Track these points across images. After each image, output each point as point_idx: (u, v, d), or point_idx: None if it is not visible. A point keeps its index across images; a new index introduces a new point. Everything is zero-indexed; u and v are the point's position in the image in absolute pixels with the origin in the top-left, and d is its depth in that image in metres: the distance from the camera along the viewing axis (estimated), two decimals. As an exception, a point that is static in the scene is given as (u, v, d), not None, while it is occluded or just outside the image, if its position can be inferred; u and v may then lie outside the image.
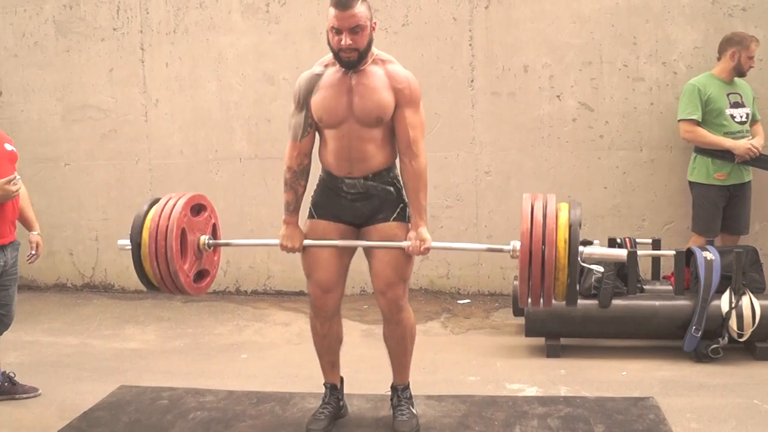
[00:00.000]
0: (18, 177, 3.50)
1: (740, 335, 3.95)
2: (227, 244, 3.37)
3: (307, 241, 3.09)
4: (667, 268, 4.54)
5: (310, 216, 3.15)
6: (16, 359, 4.07)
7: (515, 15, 5.34)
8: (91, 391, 3.76)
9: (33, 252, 3.78)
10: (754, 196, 4.99)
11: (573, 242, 2.68)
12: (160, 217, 3.01)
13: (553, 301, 2.79)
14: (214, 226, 3.30)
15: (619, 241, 4.51)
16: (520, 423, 3.21)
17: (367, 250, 3.12)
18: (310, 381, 3.53)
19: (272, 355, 4.37)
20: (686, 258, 4.23)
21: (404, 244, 2.98)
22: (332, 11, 2.83)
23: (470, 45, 5.41)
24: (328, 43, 2.92)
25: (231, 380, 3.88)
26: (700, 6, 5.10)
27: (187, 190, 5.90)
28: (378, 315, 3.23)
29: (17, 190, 3.50)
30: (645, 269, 4.63)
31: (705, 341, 3.96)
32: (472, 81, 5.43)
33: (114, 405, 3.60)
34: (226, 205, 5.88)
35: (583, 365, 3.99)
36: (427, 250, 2.97)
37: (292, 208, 3.12)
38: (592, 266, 2.91)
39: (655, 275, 4.61)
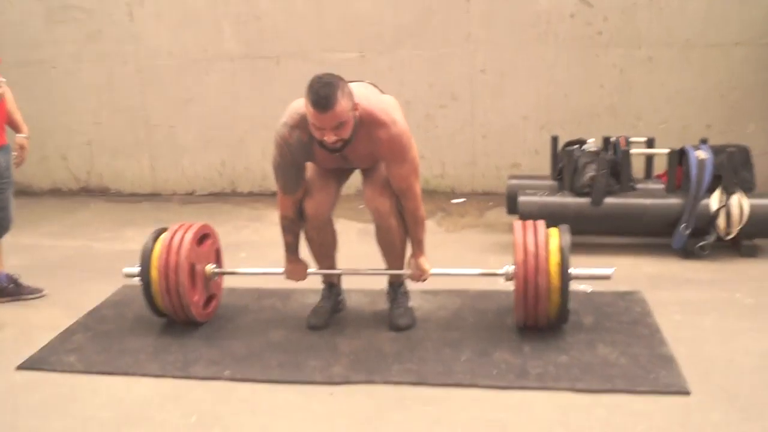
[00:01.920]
0: (3, 80, 3.46)
1: (728, 233, 4.02)
2: (233, 273, 3.50)
3: (311, 271, 3.27)
4: (660, 167, 4.58)
5: None
6: (19, 262, 4.13)
7: None
8: (95, 290, 3.85)
9: (15, 155, 3.77)
10: (751, 96, 4.99)
11: (564, 265, 2.94)
12: (168, 253, 3.13)
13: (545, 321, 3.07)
14: (217, 251, 3.45)
15: (613, 139, 4.52)
16: (511, 314, 3.30)
17: (363, 170, 3.18)
18: (309, 278, 3.61)
19: (270, 254, 4.41)
20: (679, 157, 4.26)
21: (405, 272, 3.17)
22: (310, 108, 2.67)
23: (466, -61, 5.26)
24: (310, 131, 2.80)
25: (231, 278, 3.93)
26: None
27: (178, 93, 5.92)
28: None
29: (3, 94, 3.46)
30: (638, 168, 4.67)
31: (693, 239, 4.04)
32: (467, -23, 5.30)
33: (119, 303, 3.70)
34: (218, 107, 5.86)
35: (574, 261, 4.01)
36: (426, 279, 3.16)
37: (294, 249, 3.22)
38: (580, 286, 3.33)
39: (648, 174, 4.65)
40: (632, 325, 3.17)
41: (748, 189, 4.14)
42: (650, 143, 4.59)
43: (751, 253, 4.07)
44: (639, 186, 4.39)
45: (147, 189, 6.14)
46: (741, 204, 4.02)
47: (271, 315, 3.46)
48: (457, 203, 5.45)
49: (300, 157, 2.95)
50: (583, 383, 2.69)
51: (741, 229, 4.01)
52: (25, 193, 6.17)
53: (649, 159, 4.64)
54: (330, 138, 2.71)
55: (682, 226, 4.03)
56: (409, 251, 3.22)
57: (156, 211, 5.59)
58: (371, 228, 3.24)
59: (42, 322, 3.50)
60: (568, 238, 3.00)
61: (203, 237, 3.32)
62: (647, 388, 2.65)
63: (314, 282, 3.47)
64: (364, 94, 2.87)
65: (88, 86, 6.05)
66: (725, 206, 4.02)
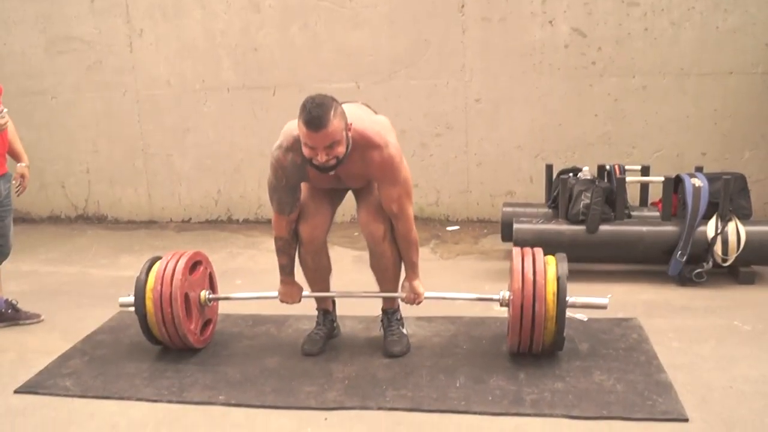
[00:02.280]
0: (5, 110, 3.50)
1: (724, 260, 4.03)
2: (227, 298, 3.52)
3: (305, 294, 3.27)
4: (655, 195, 4.60)
5: None
6: (17, 288, 4.14)
7: (507, -62, 5.25)
8: (91, 316, 3.86)
9: (17, 184, 3.80)
10: (746, 124, 5.03)
11: (561, 294, 2.94)
12: (161, 285, 3.14)
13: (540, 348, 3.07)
14: (211, 275, 3.45)
15: (608, 168, 4.55)
16: (506, 341, 3.30)
17: (356, 192, 3.21)
18: (304, 304, 3.59)
19: (266, 281, 4.40)
20: (674, 185, 4.28)
21: (399, 295, 3.17)
22: (303, 128, 2.69)
23: (461, -30, 5.35)
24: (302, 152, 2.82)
25: (227, 304, 3.92)
26: (695, -73, 5.02)
27: (176, 122, 5.98)
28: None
29: (5, 124, 3.50)
30: (633, 196, 4.69)
31: (689, 266, 4.04)
32: (462, 6, 5.36)
33: (115, 328, 3.70)
34: (216, 136, 5.90)
35: (569, 288, 4.06)
36: (420, 302, 3.17)
37: (288, 270, 3.22)
38: (576, 315, 3.36)
39: (643, 202, 4.67)
40: (629, 352, 3.17)
41: (745, 216, 4.15)
42: (645, 171, 4.61)
43: (749, 279, 4.07)
44: (634, 214, 4.40)
45: (144, 216, 6.16)
46: (738, 231, 4.03)
47: (265, 341, 3.46)
48: (452, 231, 5.46)
49: (294, 178, 2.97)
50: (578, 410, 2.68)
51: (738, 255, 4.01)
52: (24, 220, 6.19)
53: (644, 187, 4.67)
54: (322, 158, 2.72)
55: (678, 253, 4.04)
56: (403, 275, 3.23)
57: (152, 239, 5.60)
58: (366, 256, 3.25)
59: (39, 347, 3.50)
60: (565, 267, 3.01)
61: (195, 264, 3.33)
62: (644, 415, 2.63)
63: (309, 308, 3.47)
64: (357, 115, 2.90)
65: (88, 116, 6.10)
66: (722, 233, 4.03)
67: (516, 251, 3.08)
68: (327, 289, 3.37)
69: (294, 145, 2.87)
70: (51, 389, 3.04)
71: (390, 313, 3.33)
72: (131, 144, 6.06)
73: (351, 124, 2.80)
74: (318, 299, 3.39)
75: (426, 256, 4.83)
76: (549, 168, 4.72)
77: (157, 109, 5.96)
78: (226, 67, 5.78)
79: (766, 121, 5.16)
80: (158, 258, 3.31)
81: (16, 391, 3.03)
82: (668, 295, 3.93)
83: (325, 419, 2.70)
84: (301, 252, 3.23)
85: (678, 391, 2.78)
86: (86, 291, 4.41)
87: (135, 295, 3.19)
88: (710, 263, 4.04)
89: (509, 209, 4.64)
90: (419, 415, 2.70)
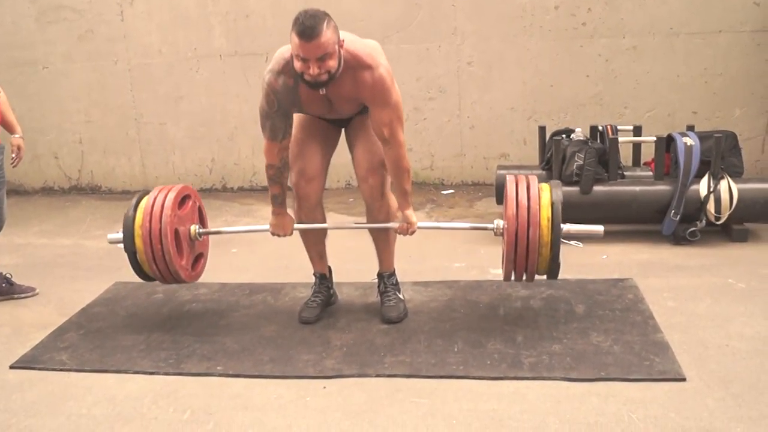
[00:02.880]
0: None
1: (717, 218, 4.05)
2: (217, 232, 3.48)
3: (297, 225, 3.21)
4: (647, 155, 4.61)
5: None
6: (11, 261, 4.13)
7: None
8: (87, 288, 3.86)
9: (13, 155, 3.79)
10: (736, 82, 5.02)
11: (555, 220, 2.88)
12: (150, 221, 3.07)
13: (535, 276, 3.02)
14: (200, 209, 3.39)
15: (600, 128, 4.55)
16: (503, 305, 3.35)
17: (350, 141, 3.19)
18: (300, 272, 3.63)
19: (261, 249, 4.46)
20: (666, 144, 4.28)
21: (392, 225, 3.14)
22: (295, 40, 2.69)
23: (451, -69, 5.28)
24: (294, 68, 2.79)
25: (223, 274, 3.97)
26: None
27: (169, 90, 5.94)
28: (363, 207, 3.30)
29: None
30: (626, 156, 4.70)
31: (683, 225, 4.06)
32: (453, -31, 5.31)
33: (111, 300, 3.71)
34: (209, 103, 5.86)
35: (564, 250, 4.00)
36: (414, 232, 3.14)
37: (280, 201, 3.18)
38: (571, 242, 3.24)
39: (636, 162, 4.68)
40: (625, 313, 3.19)
41: (737, 174, 4.17)
42: (637, 131, 4.61)
43: (742, 237, 4.10)
44: (627, 174, 4.41)
45: (138, 186, 6.13)
46: (730, 189, 4.05)
47: (262, 310, 3.47)
48: (447, 195, 5.47)
49: (286, 102, 2.94)
50: (576, 372, 2.69)
51: (731, 213, 4.04)
52: (17, 192, 6.17)
53: (637, 147, 4.67)
54: (314, 70, 2.71)
55: (672, 212, 4.06)
56: (401, 244, 3.23)
57: (147, 209, 5.58)
58: (361, 221, 3.26)
59: (34, 321, 3.50)
60: (559, 193, 2.93)
61: (184, 199, 3.26)
62: (642, 375, 2.65)
63: (305, 276, 3.48)
64: (349, 38, 2.89)
65: (80, 86, 6.04)
66: (714, 192, 4.05)
67: (510, 178, 3.02)
68: (323, 253, 3.38)
69: (285, 68, 2.86)
70: (47, 364, 3.03)
71: (386, 276, 3.34)
72: (124, 113, 6.01)
73: (343, 41, 2.79)
74: (313, 261, 3.39)
75: (421, 221, 4.83)
76: (542, 130, 4.71)
77: (149, 78, 5.90)
78: (218, 35, 5.72)
79: (755, 78, 5.15)
80: (146, 193, 3.24)
81: (11, 366, 3.03)
82: (663, 255, 3.96)
83: (324, 388, 2.72)
84: (295, 209, 3.25)
85: (675, 351, 2.81)
86: (81, 263, 4.41)
87: (124, 233, 3.14)
88: (703, 222, 4.06)
89: (503, 172, 4.63)
90: (418, 381, 2.72)
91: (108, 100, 6.01)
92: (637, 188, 4.20)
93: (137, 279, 3.90)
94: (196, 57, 5.79)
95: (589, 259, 3.93)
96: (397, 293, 3.34)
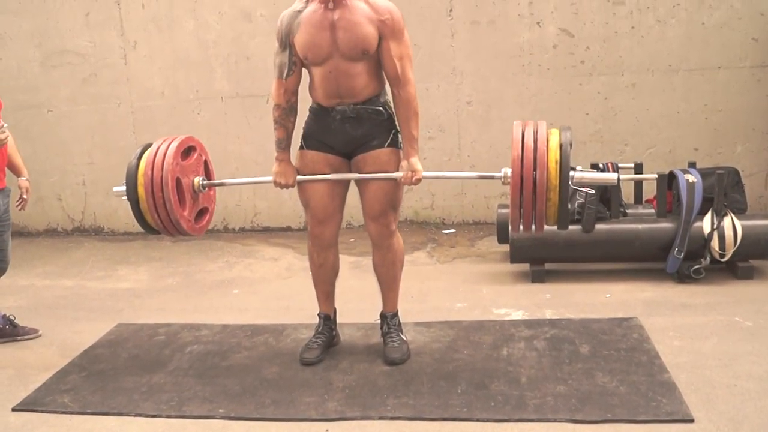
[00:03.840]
0: (5, 125, 3.49)
1: (722, 255, 4.03)
2: (221, 184, 3.41)
3: (300, 177, 3.12)
4: (649, 192, 4.61)
5: (300, 147, 3.18)
6: (14, 303, 4.13)
7: (493, -60, 5.27)
8: (89, 330, 3.84)
9: (24, 197, 3.81)
10: (736, 118, 5.04)
11: (564, 162, 2.71)
12: (152, 170, 3.02)
13: (544, 226, 2.83)
14: (206, 162, 3.32)
15: (601, 166, 4.56)
16: (507, 345, 3.32)
17: (358, 182, 3.16)
18: (302, 313, 3.62)
19: (263, 290, 4.46)
20: (668, 181, 4.29)
21: (396, 174, 3.03)
22: None
23: (449, -27, 5.36)
24: None
25: (224, 315, 3.96)
26: (680, -75, 5.05)
27: (171, 132, 5.93)
28: (365, 247, 3.31)
29: (5, 139, 3.49)
30: (628, 194, 4.70)
31: (687, 262, 4.04)
32: (450, 10, 5.38)
33: (113, 342, 3.69)
34: (210, 145, 5.76)
35: (567, 289, 4.09)
36: (419, 180, 3.03)
37: (284, 145, 3.14)
38: (582, 189, 2.97)
39: (638, 199, 4.69)
40: (630, 353, 3.15)
41: (740, 210, 4.16)
42: (638, 168, 4.63)
43: (747, 274, 4.07)
44: (629, 211, 4.42)
45: (139, 228, 6.11)
46: (734, 225, 4.04)
47: (264, 351, 3.44)
48: (448, 234, 5.47)
49: (287, 26, 2.98)
50: (582, 414, 2.65)
51: (735, 250, 4.02)
52: (21, 234, 6.17)
53: (638, 184, 4.68)
54: None
55: (675, 250, 4.04)
56: (403, 284, 3.22)
57: (149, 250, 5.59)
58: (363, 262, 3.26)
59: (37, 363, 3.48)
60: (569, 135, 2.76)
61: (189, 150, 3.21)
62: (649, 416, 2.61)
63: (307, 317, 3.47)
64: None
65: (83, 128, 6.09)
66: (718, 229, 4.03)
67: (516, 123, 2.85)
68: (331, 293, 3.35)
69: (298, 3, 2.99)
70: (49, 406, 3.01)
71: (390, 317, 3.32)
72: (126, 155, 5.90)
73: None
74: (319, 300, 3.36)
75: (423, 261, 4.85)
76: (543, 168, 4.72)
77: (151, 120, 5.95)
78: (219, 77, 5.78)
79: (756, 114, 5.18)
80: (150, 144, 3.19)
81: (14, 409, 3.01)
82: (667, 293, 3.94)
83: (327, 431, 2.69)
84: (308, 245, 3.26)
85: (682, 391, 2.77)
86: (83, 304, 4.40)
87: (126, 182, 3.09)
88: (708, 259, 4.04)
89: (505, 211, 4.64)
90: (421, 424, 2.68)
91: (111, 142, 6.05)
92: (640, 226, 4.20)
93: (139, 320, 3.93)
94: (198, 99, 5.85)
95: (592, 298, 3.91)
96: (401, 334, 3.31)
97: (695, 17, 5.12)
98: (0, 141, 3.46)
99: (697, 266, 4.02)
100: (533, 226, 2.83)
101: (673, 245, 4.06)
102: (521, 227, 2.83)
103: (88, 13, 5.88)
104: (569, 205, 4.10)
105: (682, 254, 4.04)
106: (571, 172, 2.76)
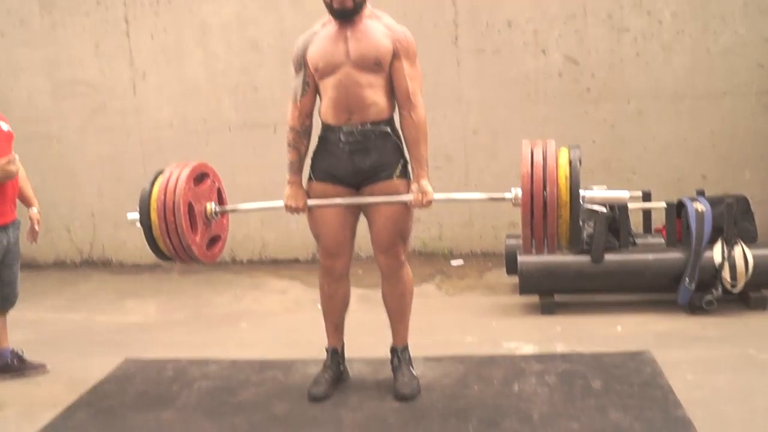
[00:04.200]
0: (16, 156, 3.50)
1: (733, 286, 4.00)
2: (234, 210, 3.40)
3: (311, 201, 3.12)
4: (658, 221, 4.59)
5: (309, 179, 3.18)
6: (22, 337, 4.12)
7: (497, -30, 5.30)
8: (97, 365, 3.82)
9: (36, 228, 3.81)
10: (744, 145, 5.03)
11: (574, 177, 2.70)
12: (165, 194, 3.04)
13: (556, 246, 2.81)
14: (219, 190, 3.33)
15: (609, 195, 4.53)
16: (518, 380, 3.29)
17: (367, 209, 3.14)
18: (311, 347, 3.59)
19: (271, 323, 4.44)
20: (677, 210, 4.26)
21: (406, 197, 3.02)
22: None
23: (453, 2, 5.38)
24: (325, 4, 2.94)
25: (233, 349, 3.94)
26: (683, -47, 5.07)
27: (181, 160, 5.98)
28: (373, 280, 3.29)
29: (17, 170, 3.50)
30: (636, 222, 4.68)
31: (699, 293, 4.00)
32: (456, 39, 5.40)
33: (121, 378, 3.67)
34: (219, 175, 5.90)
35: (578, 321, 4.06)
36: (430, 202, 3.02)
37: (296, 168, 3.15)
38: (594, 206, 2.93)
39: (647, 228, 4.66)
40: (643, 388, 3.12)
41: (751, 239, 4.12)
42: (646, 197, 4.60)
43: (761, 305, 4.02)
44: (639, 241, 4.39)
45: (148, 259, 6.10)
46: (745, 255, 4.00)
47: (272, 387, 3.42)
48: (456, 265, 5.44)
49: (303, 46, 3.05)
50: (595, 452, 2.63)
51: (747, 280, 3.99)
52: (30, 266, 6.16)
53: (647, 213, 4.65)
54: None
55: (686, 280, 4.00)
56: (412, 317, 3.18)
57: (157, 282, 5.59)
58: (371, 294, 3.24)
59: (44, 399, 3.46)
60: (578, 153, 2.76)
61: (202, 176, 3.22)
62: (664, 455, 2.58)
63: (316, 351, 3.44)
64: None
65: (92, 159, 6.12)
66: (729, 258, 4.00)
67: (525, 142, 2.85)
68: (340, 326, 3.33)
69: (315, 27, 3.08)
70: (57, 445, 2.99)
71: (400, 351, 3.29)
72: (136, 186, 5.95)
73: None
74: (328, 333, 3.33)
75: (431, 293, 4.83)
76: (551, 197, 4.70)
77: (160, 151, 5.97)
78: (228, 107, 5.81)
79: (764, 140, 5.16)
80: (163, 170, 3.21)
81: (22, 449, 3.00)
82: (679, 325, 3.90)
83: (337, 470, 2.67)
84: (319, 276, 3.26)
85: (697, 427, 2.72)
86: (92, 338, 4.39)
87: (139, 207, 3.10)
88: (719, 290, 4.00)
89: (513, 241, 4.63)
90: (432, 463, 2.66)
91: (120, 172, 6.07)
92: (650, 256, 4.17)
93: (148, 355, 3.92)
94: (206, 129, 5.87)
95: (603, 331, 3.88)
96: (411, 369, 3.28)
97: (700, 44, 5.12)
98: (11, 172, 3.47)
99: (709, 297, 3.99)
100: (545, 247, 2.81)
101: (684, 276, 4.03)
102: (533, 248, 2.82)
103: (98, 44, 5.94)
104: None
105: (694, 285, 4.00)
106: (582, 192, 2.75)
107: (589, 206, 2.85)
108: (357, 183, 3.12)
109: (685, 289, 4.01)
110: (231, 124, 5.82)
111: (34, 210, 3.83)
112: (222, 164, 5.80)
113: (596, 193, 2.83)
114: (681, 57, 5.16)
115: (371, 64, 2.96)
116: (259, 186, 5.72)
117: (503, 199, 2.93)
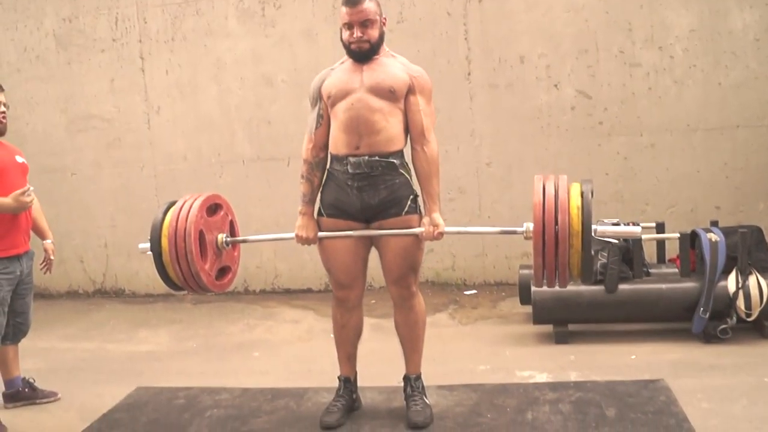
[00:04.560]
0: (31, 188, 3.56)
1: (748, 315, 3.97)
2: (244, 241, 3.41)
3: (322, 233, 3.13)
4: (672, 251, 4.57)
5: (319, 214, 3.20)
6: (34, 365, 4.13)
7: (509, 6, 5.38)
8: (109, 393, 3.82)
9: (51, 258, 3.85)
10: (757, 176, 5.03)
11: (586, 208, 2.70)
12: (177, 221, 3.07)
13: (568, 278, 2.78)
14: (231, 222, 3.36)
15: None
16: (531, 409, 3.26)
17: (378, 242, 3.15)
18: (323, 376, 3.58)
19: (284, 352, 4.43)
20: (691, 240, 4.26)
21: (417, 230, 3.03)
22: (343, 9, 3.00)
23: (465, 39, 5.46)
24: (342, 41, 3.03)
25: (245, 378, 3.93)
26: (694, -11, 5.13)
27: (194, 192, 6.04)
28: (386, 309, 3.29)
29: (31, 201, 3.55)
30: (650, 253, 4.66)
31: (713, 322, 3.98)
32: (469, 74, 5.47)
33: (132, 406, 3.66)
34: (232, 208, 5.95)
35: (592, 350, 4.03)
36: (441, 235, 3.01)
37: (308, 199, 3.17)
38: (607, 238, 2.90)
39: (661, 259, 4.65)
40: (658, 416, 3.08)
41: (765, 269, 4.11)
42: (660, 228, 4.61)
43: (776, 333, 4.00)
44: (653, 271, 4.37)
45: (161, 289, 6.12)
46: (759, 284, 3.99)
47: (284, 416, 3.39)
48: (470, 295, 5.43)
49: (321, 80, 3.11)
50: (610, 481, 2.60)
51: (762, 309, 3.96)
52: (43, 296, 6.21)
53: (661, 244, 4.65)
54: (357, 34, 2.96)
55: (701, 309, 3.99)
56: (425, 346, 3.17)
57: (169, 312, 5.60)
58: (384, 323, 3.24)
59: (56, 427, 3.46)
60: (589, 186, 2.77)
61: (215, 207, 3.25)
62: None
63: (329, 380, 3.43)
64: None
65: (106, 191, 6.19)
66: (743, 287, 3.98)
67: (537, 176, 2.85)
68: (353, 355, 3.32)
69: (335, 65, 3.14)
70: (68, 473, 2.98)
71: (413, 379, 3.27)
72: (148, 218, 5.98)
73: (386, 19, 3.07)
74: (341, 362, 3.32)
75: (444, 322, 4.81)
76: (564, 228, 4.71)
77: (174, 183, 6.04)
78: (241, 140, 5.88)
79: (778, 172, 5.17)
80: (176, 201, 3.23)
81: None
82: (694, 354, 3.87)
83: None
84: (333, 306, 3.26)
85: (712, 456, 2.70)
86: (103, 367, 4.39)
87: (151, 235, 3.11)
88: (734, 318, 3.99)
89: (526, 272, 4.61)
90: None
91: (133, 205, 6.13)
92: (664, 286, 4.16)
93: (159, 383, 3.91)
94: (220, 162, 5.94)
95: (617, 360, 3.85)
96: (424, 398, 3.25)
97: (712, 77, 5.16)
98: (25, 203, 3.52)
99: (724, 326, 3.96)
100: (557, 279, 2.79)
101: (698, 305, 4.01)
102: (545, 279, 2.79)
103: (113, 79, 6.05)
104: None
105: (708, 314, 3.98)
106: (594, 226, 2.75)
107: (602, 238, 2.84)
108: (367, 218, 3.13)
109: (700, 318, 3.99)
110: (245, 157, 5.89)
111: (49, 242, 3.88)
112: (235, 196, 5.86)
113: (608, 228, 2.82)
114: (693, 91, 5.20)
115: (385, 91, 3.00)
116: (271, 218, 5.76)
117: (515, 233, 2.94)
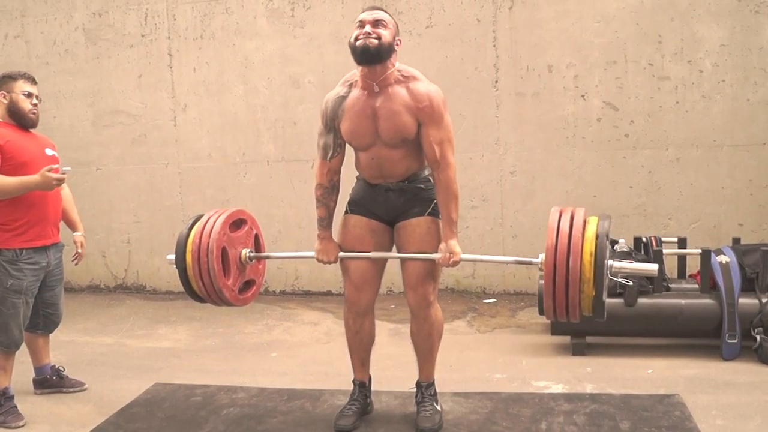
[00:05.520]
0: (65, 168, 3.49)
1: (768, 334, 3.94)
2: (267, 257, 3.48)
3: (342, 254, 3.19)
4: (693, 267, 4.54)
5: (346, 212, 3.26)
6: (54, 358, 4.16)
7: (539, 15, 5.37)
8: (127, 388, 3.87)
9: (79, 250, 3.90)
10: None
11: (599, 255, 2.65)
12: (200, 238, 3.14)
13: (579, 316, 2.78)
14: (257, 236, 3.41)
15: (644, 240, 4.52)
16: (546, 419, 3.25)
17: (400, 246, 3.20)
18: (339, 378, 3.60)
19: (301, 354, 4.45)
20: (711, 257, 4.22)
21: (435, 256, 3.07)
22: (361, 16, 3.01)
23: (494, 46, 5.46)
24: (349, 44, 2.99)
25: (262, 378, 3.96)
26: (725, 3, 5.10)
27: (216, 194, 6.12)
28: (405, 314, 3.30)
29: (59, 181, 3.43)
30: (671, 268, 4.63)
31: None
32: (496, 82, 5.47)
33: (149, 401, 3.70)
34: (254, 207, 5.96)
35: (608, 363, 4.01)
36: (456, 263, 3.06)
37: (325, 224, 3.22)
38: (621, 280, 2.87)
39: (681, 274, 4.61)
40: (672, 431, 3.07)
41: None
42: (682, 243, 4.57)
43: (793, 354, 3.96)
44: (672, 286, 4.34)
45: (181, 287, 6.17)
46: (780, 303, 3.95)
47: (300, 417, 3.42)
48: (489, 303, 5.42)
49: (332, 111, 3.09)
50: (621, 494, 2.59)
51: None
52: (65, 289, 6.25)
53: (682, 259, 4.61)
54: (367, 28, 2.93)
55: (727, 335, 3.96)
56: (442, 353, 3.18)
57: (189, 309, 5.63)
58: (403, 329, 3.25)
59: (73, 419, 3.50)
60: (607, 225, 2.69)
61: (239, 222, 3.29)
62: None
63: (345, 383, 3.44)
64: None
65: (131, 187, 6.27)
66: (765, 305, 3.94)
67: (554, 210, 2.81)
68: (366, 360, 3.34)
69: (344, 83, 3.11)
70: (84, 465, 3.02)
71: (425, 386, 3.29)
72: (172, 215, 6.18)
73: (400, 41, 3.03)
74: (354, 367, 3.35)
75: (463, 330, 4.81)
76: (585, 240, 4.69)
77: (198, 181, 6.10)
78: (266, 141, 5.93)
79: (803, 191, 5.11)
80: (202, 215, 3.30)
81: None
82: (711, 370, 3.84)
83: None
84: (344, 312, 3.27)
85: (725, 474, 2.69)
86: (122, 362, 4.44)
87: (176, 250, 3.18)
88: (758, 340, 3.93)
89: (545, 282, 4.60)
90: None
91: (157, 201, 6.20)
92: (683, 301, 4.12)
93: (177, 380, 3.95)
94: (244, 162, 5.98)
95: (633, 373, 3.83)
96: (434, 404, 3.26)
97: (740, 93, 5.12)
98: (51, 181, 3.39)
99: (756, 346, 3.93)
100: (567, 314, 2.78)
101: (723, 331, 3.97)
102: (555, 316, 2.79)
103: (141, 75, 6.13)
104: (612, 281, 4.10)
105: (736, 338, 3.94)
106: (609, 262, 2.72)
107: (616, 279, 2.79)
108: (391, 219, 3.19)
109: (728, 345, 3.96)
110: (269, 157, 5.93)
111: (78, 234, 3.92)
112: (259, 197, 5.96)
113: (624, 265, 2.77)
114: (720, 106, 5.16)
115: (399, 142, 3.05)
116: (294, 219, 5.80)
117: (531, 263, 2.92)
